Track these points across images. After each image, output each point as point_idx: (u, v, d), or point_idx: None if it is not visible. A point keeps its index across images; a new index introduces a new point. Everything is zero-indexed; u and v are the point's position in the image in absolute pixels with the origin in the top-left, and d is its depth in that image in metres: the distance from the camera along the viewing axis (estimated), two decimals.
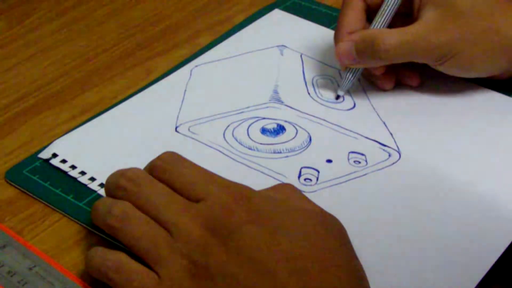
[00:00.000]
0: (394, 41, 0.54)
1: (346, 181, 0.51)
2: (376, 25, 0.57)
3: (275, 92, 0.59)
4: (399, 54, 0.55)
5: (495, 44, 0.54)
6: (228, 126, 0.56)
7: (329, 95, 0.59)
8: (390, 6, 0.56)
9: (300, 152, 0.54)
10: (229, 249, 0.40)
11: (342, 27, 0.58)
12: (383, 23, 0.57)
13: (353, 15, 0.58)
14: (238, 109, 0.57)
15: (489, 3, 0.55)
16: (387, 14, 0.57)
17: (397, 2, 0.56)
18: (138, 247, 0.42)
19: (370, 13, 0.58)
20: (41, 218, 0.50)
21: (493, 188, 0.50)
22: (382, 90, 0.59)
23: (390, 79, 0.59)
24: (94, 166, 0.52)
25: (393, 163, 0.52)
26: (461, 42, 0.54)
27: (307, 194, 0.46)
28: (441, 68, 0.56)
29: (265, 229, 0.40)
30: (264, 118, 0.56)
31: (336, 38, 0.58)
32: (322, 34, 0.65)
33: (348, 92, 0.59)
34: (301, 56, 0.63)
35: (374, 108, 0.57)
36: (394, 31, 0.55)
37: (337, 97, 0.58)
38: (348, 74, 0.57)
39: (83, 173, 0.52)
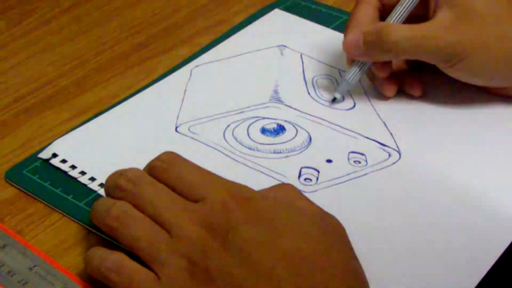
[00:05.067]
0: (403, 33, 0.53)
1: (346, 181, 0.51)
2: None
3: (275, 92, 0.59)
4: (407, 48, 0.53)
5: (510, 51, 0.53)
6: (228, 126, 0.56)
7: (329, 95, 0.59)
8: (405, 6, 0.55)
9: (300, 152, 0.54)
10: (228, 249, 0.40)
11: (354, 20, 0.56)
12: (396, 22, 0.55)
13: (366, 11, 0.56)
14: (238, 109, 0.57)
15: (508, 9, 0.53)
16: (401, 14, 0.55)
17: (412, 3, 0.55)
18: (137, 247, 0.42)
19: (385, 14, 0.57)
20: (41, 218, 0.50)
21: (493, 188, 0.50)
22: (384, 96, 0.58)
23: (393, 86, 0.58)
24: (94, 166, 0.52)
25: (393, 163, 0.52)
26: (473, 45, 0.52)
27: (307, 194, 0.46)
28: (450, 72, 0.55)
29: (264, 229, 0.40)
30: (264, 118, 0.56)
31: (346, 30, 0.56)
32: (322, 34, 0.65)
33: (348, 92, 0.59)
34: (301, 56, 0.63)
35: (374, 108, 0.57)
36: (405, 25, 0.54)
37: (334, 99, 0.57)
38: (353, 68, 0.56)
39: (83, 173, 0.52)
